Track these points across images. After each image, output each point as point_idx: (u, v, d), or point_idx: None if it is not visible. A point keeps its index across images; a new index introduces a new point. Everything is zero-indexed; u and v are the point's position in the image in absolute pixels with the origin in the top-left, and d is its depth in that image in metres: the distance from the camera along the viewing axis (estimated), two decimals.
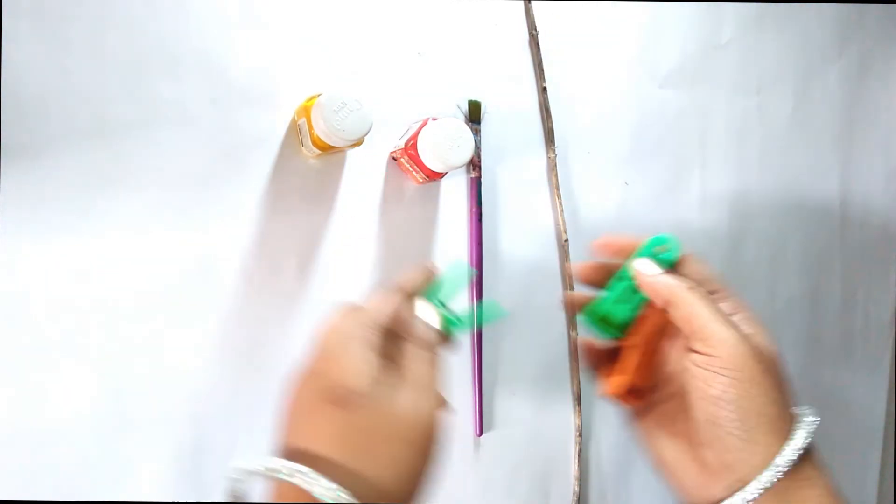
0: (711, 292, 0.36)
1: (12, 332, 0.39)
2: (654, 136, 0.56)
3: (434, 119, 0.44)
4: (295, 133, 0.45)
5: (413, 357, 0.32)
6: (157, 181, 0.41)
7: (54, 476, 0.40)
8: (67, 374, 0.40)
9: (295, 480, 0.27)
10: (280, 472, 0.27)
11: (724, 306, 0.35)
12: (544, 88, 0.51)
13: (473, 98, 0.49)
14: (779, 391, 0.33)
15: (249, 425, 0.44)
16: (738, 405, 0.31)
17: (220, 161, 0.43)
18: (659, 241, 0.39)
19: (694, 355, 0.33)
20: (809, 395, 0.66)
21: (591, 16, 0.53)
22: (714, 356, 0.32)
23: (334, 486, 0.27)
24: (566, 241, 0.52)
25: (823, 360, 0.63)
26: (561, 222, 0.52)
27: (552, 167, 0.52)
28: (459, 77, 0.49)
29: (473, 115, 0.49)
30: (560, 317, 0.53)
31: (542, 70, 0.51)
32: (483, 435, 0.49)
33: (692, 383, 0.33)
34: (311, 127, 0.41)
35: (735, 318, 0.35)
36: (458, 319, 0.36)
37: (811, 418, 0.34)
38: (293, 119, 0.44)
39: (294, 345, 0.45)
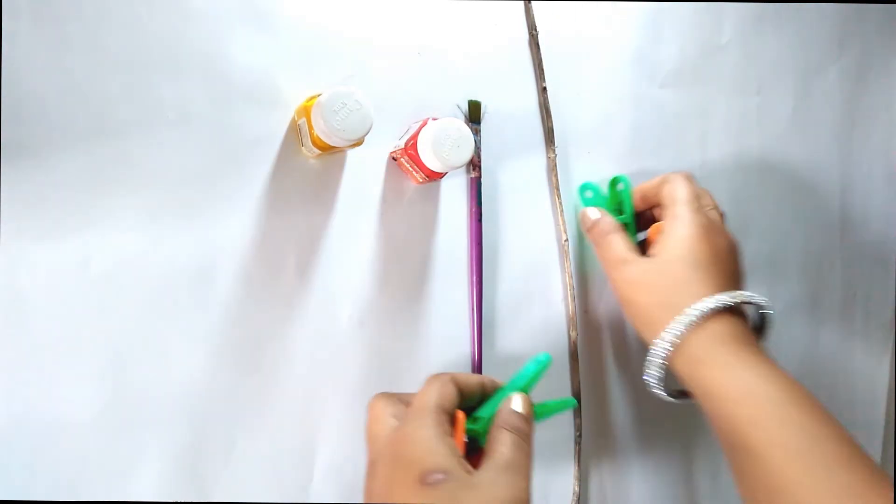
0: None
1: (12, 332, 0.39)
2: (654, 135, 0.56)
3: (434, 119, 0.44)
4: (295, 133, 0.45)
5: (503, 441, 0.33)
6: (156, 181, 0.41)
7: (54, 476, 0.40)
8: (67, 374, 0.40)
9: None
10: None
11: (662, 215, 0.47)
12: (544, 88, 0.51)
13: (473, 98, 0.49)
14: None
15: (249, 425, 0.44)
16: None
17: (219, 161, 0.43)
18: (617, 180, 0.52)
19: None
20: None
21: (591, 16, 0.53)
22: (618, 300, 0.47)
23: None
24: (566, 240, 0.52)
25: (823, 360, 0.63)
26: (561, 222, 0.52)
27: (552, 167, 0.52)
28: (459, 77, 0.49)
29: (473, 115, 0.49)
30: (560, 317, 0.53)
31: (542, 70, 0.51)
32: None
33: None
34: (311, 127, 0.41)
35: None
36: (543, 408, 0.38)
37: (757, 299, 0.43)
38: (293, 119, 0.44)
39: (294, 345, 0.45)
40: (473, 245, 0.49)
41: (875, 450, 0.65)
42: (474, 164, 0.49)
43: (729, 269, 0.44)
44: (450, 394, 0.36)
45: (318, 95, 0.40)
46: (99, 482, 0.40)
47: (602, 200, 0.51)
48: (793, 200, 0.61)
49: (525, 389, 0.38)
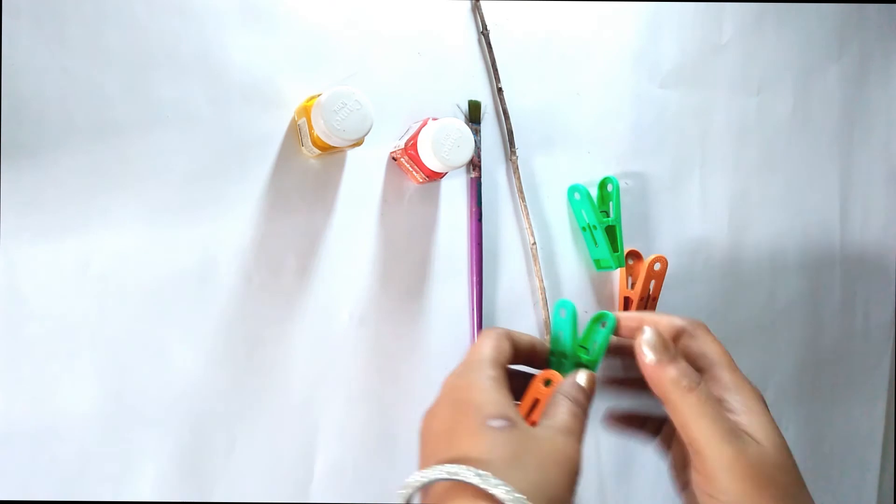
0: (706, 368, 0.38)
1: (12, 332, 0.39)
2: (654, 135, 0.56)
3: (434, 119, 0.44)
4: (295, 133, 0.45)
5: (562, 406, 0.35)
6: (156, 181, 0.41)
7: (54, 476, 0.40)
8: (67, 373, 0.40)
9: (474, 481, 0.29)
10: (458, 475, 0.29)
11: (721, 385, 0.37)
12: (500, 89, 0.50)
13: (473, 98, 0.49)
14: None
15: (249, 425, 0.44)
16: None
17: (219, 161, 0.43)
18: (606, 182, 0.49)
19: (692, 470, 0.35)
20: (809, 395, 0.66)
21: (591, 15, 0.53)
22: (709, 481, 0.33)
23: (511, 487, 0.28)
24: (534, 244, 0.51)
25: (823, 361, 0.63)
26: (527, 226, 0.51)
27: (514, 170, 0.51)
28: (459, 77, 0.49)
29: (473, 115, 0.49)
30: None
31: (497, 70, 0.50)
32: None
33: (695, 484, 0.35)
34: (311, 127, 0.41)
35: (738, 415, 0.35)
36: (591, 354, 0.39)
37: None
38: (293, 119, 0.44)
39: (294, 344, 0.45)
40: (473, 245, 0.49)
41: (875, 449, 0.65)
42: (474, 164, 0.49)
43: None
44: (505, 349, 0.37)
45: (318, 95, 0.40)
46: (98, 482, 0.40)
47: (590, 202, 0.51)
48: (792, 200, 0.61)
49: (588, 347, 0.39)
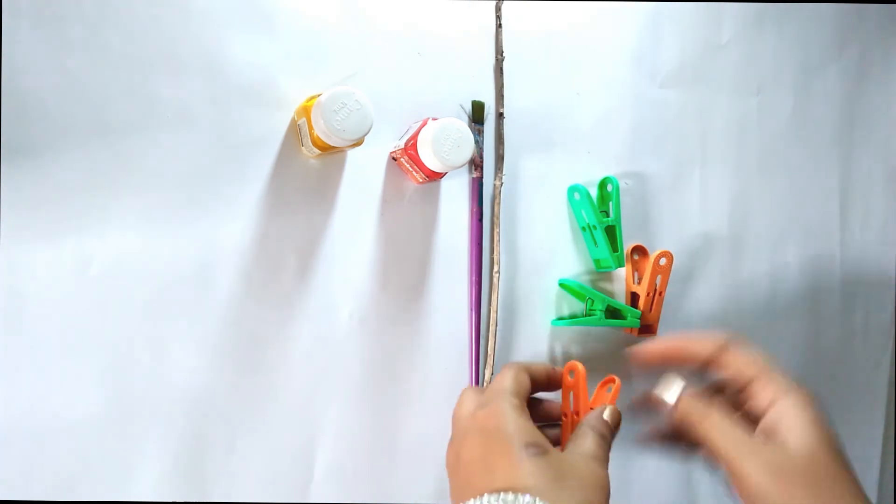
0: (750, 380, 0.40)
1: (12, 332, 0.39)
2: (654, 135, 0.56)
3: (434, 119, 0.44)
4: (295, 133, 0.45)
5: (588, 437, 0.37)
6: (156, 181, 0.41)
7: (54, 476, 0.40)
8: (67, 373, 0.40)
9: None
10: (515, 503, 0.31)
11: (765, 395, 0.39)
12: (501, 114, 0.50)
13: (477, 99, 0.49)
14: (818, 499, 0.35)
15: (249, 425, 0.44)
16: None
17: (219, 161, 0.43)
18: (606, 182, 0.52)
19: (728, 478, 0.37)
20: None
21: (591, 15, 0.53)
22: (743, 490, 0.36)
23: None
24: (497, 273, 0.49)
25: (823, 360, 0.63)
26: (496, 254, 0.49)
27: (496, 195, 0.50)
28: (461, 77, 0.49)
29: (477, 115, 0.49)
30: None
31: (503, 96, 0.50)
32: None
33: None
34: (311, 127, 0.41)
35: (772, 415, 0.38)
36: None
37: None
38: (293, 119, 0.44)
39: (294, 344, 0.45)
40: (473, 245, 0.49)
41: (875, 449, 0.65)
42: (476, 164, 0.49)
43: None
44: (524, 381, 0.40)
45: (318, 95, 0.40)
46: (99, 482, 0.40)
47: (590, 202, 0.51)
48: (793, 200, 0.61)
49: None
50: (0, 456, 0.38)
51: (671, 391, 0.41)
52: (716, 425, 0.38)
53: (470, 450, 0.36)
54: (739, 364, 0.41)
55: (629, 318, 0.52)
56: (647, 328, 0.53)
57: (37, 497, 0.39)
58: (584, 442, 0.36)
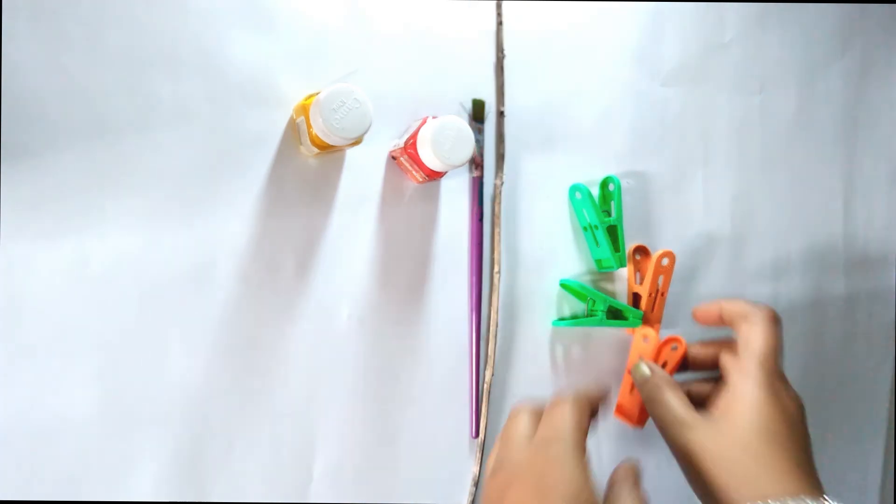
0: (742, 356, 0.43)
1: (12, 332, 0.39)
2: (656, 134, 0.55)
3: (434, 117, 0.44)
4: (293, 132, 0.44)
5: (623, 499, 0.38)
6: (155, 180, 0.41)
7: (54, 476, 0.40)
8: (67, 373, 0.40)
9: None
10: None
11: (729, 367, 0.44)
12: (501, 113, 0.50)
13: (477, 97, 0.49)
14: (775, 464, 0.38)
15: (249, 425, 0.44)
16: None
17: (218, 160, 0.43)
18: (608, 181, 0.53)
19: None
20: (811, 395, 0.66)
21: (592, 14, 0.53)
22: (681, 464, 0.42)
23: None
24: (498, 273, 0.49)
25: (825, 360, 0.62)
26: (497, 254, 0.49)
27: (496, 195, 0.50)
28: (461, 76, 0.49)
29: (477, 113, 0.49)
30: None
31: (503, 95, 0.50)
32: (479, 437, 0.49)
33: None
34: (309, 126, 0.40)
35: (726, 391, 0.43)
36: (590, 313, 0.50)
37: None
38: (292, 118, 0.44)
39: (294, 344, 0.45)
40: (473, 245, 0.49)
41: (877, 450, 0.65)
42: (476, 164, 0.49)
43: (800, 438, 0.41)
44: (586, 423, 0.38)
45: (317, 94, 0.40)
46: (98, 482, 0.40)
47: (592, 202, 0.51)
48: (795, 200, 0.61)
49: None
50: (0, 456, 0.38)
51: (645, 366, 0.47)
52: (667, 399, 0.43)
53: (519, 498, 0.34)
54: (744, 336, 0.44)
55: (631, 319, 0.51)
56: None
57: (37, 497, 0.39)
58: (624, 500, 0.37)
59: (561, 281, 0.52)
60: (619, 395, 0.51)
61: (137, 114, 0.41)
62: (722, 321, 0.47)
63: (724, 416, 0.41)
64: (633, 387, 0.50)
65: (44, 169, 0.39)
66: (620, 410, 0.51)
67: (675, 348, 0.49)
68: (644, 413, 0.50)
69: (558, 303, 0.52)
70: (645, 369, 0.46)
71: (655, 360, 0.49)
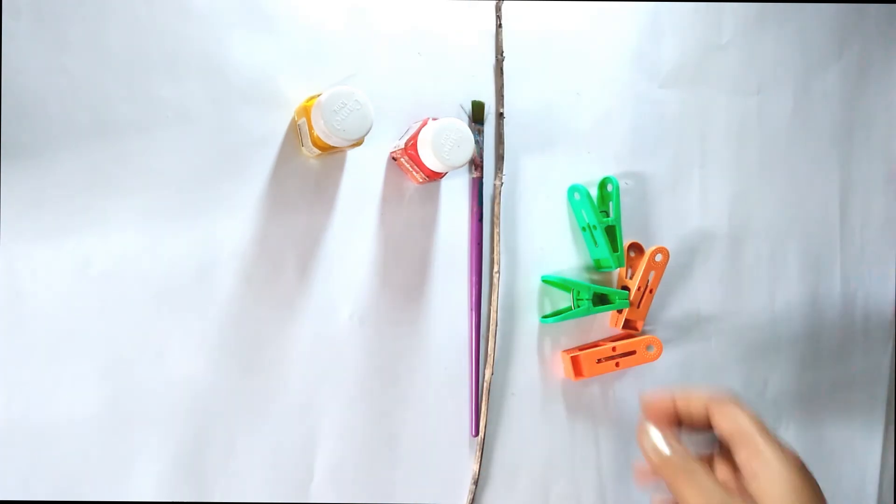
0: (737, 446, 0.38)
1: (12, 332, 0.39)
2: (654, 135, 0.56)
3: (434, 119, 0.44)
4: (295, 133, 0.45)
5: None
6: (156, 181, 0.41)
7: (54, 476, 0.40)
8: (67, 374, 0.40)
9: None
10: None
11: (750, 467, 0.37)
12: (501, 114, 0.50)
13: (477, 99, 0.49)
14: None
15: (249, 425, 0.44)
16: None
17: (219, 161, 0.43)
18: (606, 182, 0.52)
19: None
20: (808, 395, 0.66)
21: (591, 15, 0.53)
22: None
23: None
24: (497, 273, 0.49)
25: (823, 360, 0.63)
26: (496, 254, 0.50)
27: (496, 195, 0.50)
28: (461, 77, 0.49)
29: (477, 115, 0.49)
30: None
31: (503, 96, 0.50)
32: (479, 435, 0.49)
33: None
34: (311, 127, 0.41)
35: (754, 488, 0.37)
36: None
37: None
38: (293, 119, 0.44)
39: (294, 344, 0.45)
40: (473, 245, 0.49)
41: (875, 449, 0.65)
42: (476, 165, 0.49)
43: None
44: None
45: (318, 95, 0.40)
46: (99, 482, 0.40)
47: (590, 202, 0.51)
48: (793, 200, 0.61)
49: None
50: (0, 456, 0.38)
51: (660, 439, 0.39)
52: (698, 480, 0.37)
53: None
54: (724, 428, 0.39)
55: (617, 301, 0.52)
56: (630, 324, 0.53)
57: (37, 497, 0.39)
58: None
59: (543, 277, 0.52)
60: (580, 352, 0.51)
61: (139, 114, 0.41)
62: (677, 419, 0.41)
63: (760, 497, 0.37)
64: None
65: (44, 169, 0.39)
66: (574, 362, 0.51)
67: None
68: (581, 369, 0.51)
69: (550, 299, 0.52)
70: (662, 445, 0.38)
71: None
